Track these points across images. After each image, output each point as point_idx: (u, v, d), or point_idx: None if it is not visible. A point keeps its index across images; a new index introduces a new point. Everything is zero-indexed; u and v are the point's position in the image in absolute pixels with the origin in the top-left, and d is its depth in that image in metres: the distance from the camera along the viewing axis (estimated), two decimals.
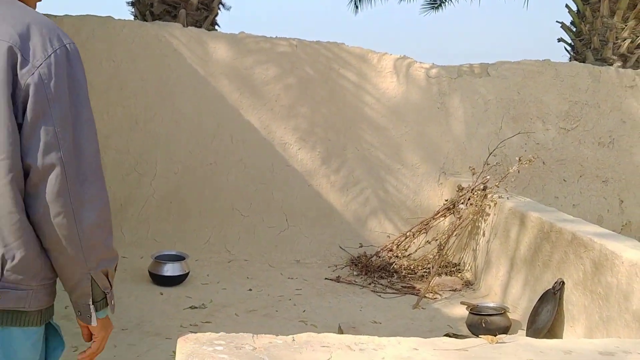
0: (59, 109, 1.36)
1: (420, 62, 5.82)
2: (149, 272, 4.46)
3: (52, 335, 1.54)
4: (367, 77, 5.68)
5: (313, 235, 5.45)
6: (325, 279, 4.88)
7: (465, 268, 5.05)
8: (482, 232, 4.90)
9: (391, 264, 5.06)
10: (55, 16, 5.17)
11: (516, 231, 4.42)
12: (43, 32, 1.41)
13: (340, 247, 5.39)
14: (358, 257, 5.22)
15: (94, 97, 5.36)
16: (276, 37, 5.65)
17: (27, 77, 1.34)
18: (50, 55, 1.38)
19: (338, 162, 5.57)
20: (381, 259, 5.12)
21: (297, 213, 5.47)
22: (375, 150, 5.64)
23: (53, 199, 1.35)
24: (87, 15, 5.20)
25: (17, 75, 1.34)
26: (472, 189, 4.96)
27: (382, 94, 5.68)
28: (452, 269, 5.01)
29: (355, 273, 4.99)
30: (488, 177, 4.97)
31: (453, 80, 5.79)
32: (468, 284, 4.84)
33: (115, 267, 1.51)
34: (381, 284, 4.78)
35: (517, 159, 5.04)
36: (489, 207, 4.83)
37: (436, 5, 11.67)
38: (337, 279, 4.85)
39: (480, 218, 4.92)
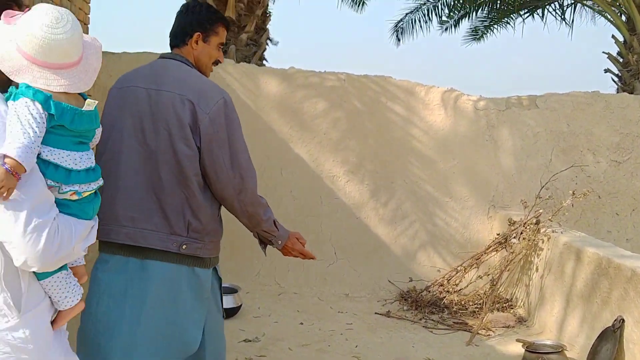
0: (219, 138, 2.19)
1: (468, 95, 5.82)
2: None
3: (215, 275, 2.39)
4: (415, 110, 5.71)
5: (362, 269, 5.45)
6: (376, 313, 4.86)
7: (518, 304, 4.97)
8: (535, 267, 4.83)
9: (442, 299, 5.01)
10: (114, 53, 5.37)
11: (572, 267, 4.34)
12: (210, 89, 2.22)
13: (389, 281, 5.37)
14: (408, 291, 5.19)
15: None
16: (325, 71, 5.75)
17: (203, 120, 2.15)
18: (214, 105, 2.18)
19: (386, 195, 5.58)
20: (431, 294, 5.08)
21: (346, 246, 5.48)
22: (423, 183, 5.64)
23: (231, 191, 2.28)
24: (144, 52, 5.38)
25: (197, 118, 2.14)
26: (524, 223, 4.90)
27: (429, 126, 5.69)
28: (505, 305, 4.93)
29: (405, 308, 4.96)
30: (540, 210, 4.90)
31: (501, 113, 5.77)
32: (521, 321, 4.75)
33: (272, 224, 2.43)
34: (432, 320, 4.73)
35: (571, 192, 4.97)
36: (542, 242, 4.76)
37: (478, 37, 11.69)
38: (388, 314, 4.82)
39: (533, 253, 4.85)
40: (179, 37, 2.34)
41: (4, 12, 1.46)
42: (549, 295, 4.57)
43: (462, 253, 5.46)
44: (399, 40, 11.78)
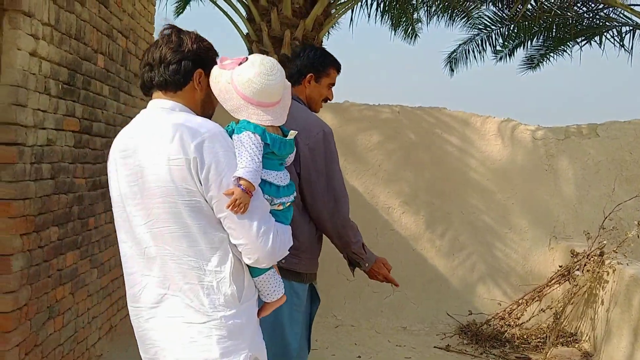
0: (317, 165, 2.48)
1: (525, 124, 5.76)
2: None
3: (314, 293, 2.67)
4: (471, 141, 5.68)
5: (419, 301, 5.39)
6: (435, 347, 4.78)
7: (583, 338, 4.80)
8: (600, 300, 4.67)
9: (503, 332, 4.89)
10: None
11: (639, 300, 4.18)
12: (312, 122, 2.55)
13: (448, 314, 5.29)
14: (467, 325, 5.10)
15: None
16: (379, 104, 5.80)
17: (303, 149, 2.44)
18: (313, 137, 2.50)
19: (443, 226, 5.54)
20: (492, 328, 4.97)
21: (402, 278, 5.41)
22: (481, 214, 5.57)
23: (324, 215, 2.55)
24: None
25: (298, 148, 2.36)
26: (588, 255, 4.76)
27: (486, 157, 5.65)
28: (569, 339, 4.77)
29: (465, 342, 4.87)
30: (604, 242, 4.76)
31: (560, 142, 5.67)
32: (587, 356, 4.59)
33: (360, 247, 2.65)
34: (494, 354, 4.62)
35: (636, 222, 4.81)
36: (607, 274, 4.60)
37: (533, 65, 11.55)
38: (447, 348, 4.74)
39: (597, 285, 4.69)
40: (294, 77, 2.68)
41: (219, 58, 1.84)
42: (616, 329, 4.40)
43: (523, 285, 5.33)
44: (452, 70, 11.76)
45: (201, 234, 1.69)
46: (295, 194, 1.95)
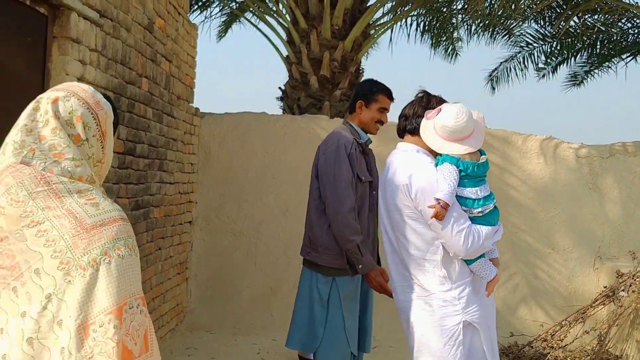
0: (327, 170, 3.05)
1: (568, 142, 5.67)
2: (299, 356, 4.56)
3: (336, 290, 3.08)
4: (512, 159, 5.61)
5: None
6: None
7: None
8: None
9: (545, 355, 4.78)
10: (217, 114, 5.71)
11: None
12: (332, 136, 3.16)
13: None
14: (509, 346, 4.99)
15: (249, 185, 5.75)
16: None
17: (320, 157, 3.12)
18: (328, 147, 3.10)
19: None
20: (534, 350, 4.86)
21: None
22: (523, 234, 5.48)
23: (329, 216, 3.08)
24: (245, 112, 5.68)
25: (317, 157, 3.15)
26: (634, 275, 4.63)
27: (528, 175, 5.57)
28: None
29: None
30: None
31: (605, 160, 5.56)
32: None
33: (355, 246, 2.96)
34: None
35: None
36: None
37: (577, 82, 11.36)
38: None
39: None
40: (351, 106, 3.31)
41: (425, 113, 2.55)
42: None
43: (567, 307, 5.21)
44: (493, 88, 11.66)
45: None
46: (494, 202, 2.50)
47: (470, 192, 2.44)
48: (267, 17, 8.23)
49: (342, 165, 3.03)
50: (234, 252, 5.57)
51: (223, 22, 11.16)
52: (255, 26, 8.85)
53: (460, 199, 2.43)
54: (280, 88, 7.96)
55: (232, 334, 5.22)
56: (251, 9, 8.86)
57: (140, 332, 1.34)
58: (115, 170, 3.61)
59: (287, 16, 7.89)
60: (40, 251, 1.32)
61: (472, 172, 2.44)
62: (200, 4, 9.43)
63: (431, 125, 2.49)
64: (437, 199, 2.34)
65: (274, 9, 8.14)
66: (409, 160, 2.51)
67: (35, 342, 1.28)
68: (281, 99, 7.88)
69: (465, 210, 2.43)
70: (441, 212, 2.34)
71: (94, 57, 3.24)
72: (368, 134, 3.31)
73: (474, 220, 2.43)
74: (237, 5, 9.78)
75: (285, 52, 7.86)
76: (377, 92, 3.22)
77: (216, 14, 10.16)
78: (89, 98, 1.50)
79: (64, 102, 1.46)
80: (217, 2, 9.54)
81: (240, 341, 5.08)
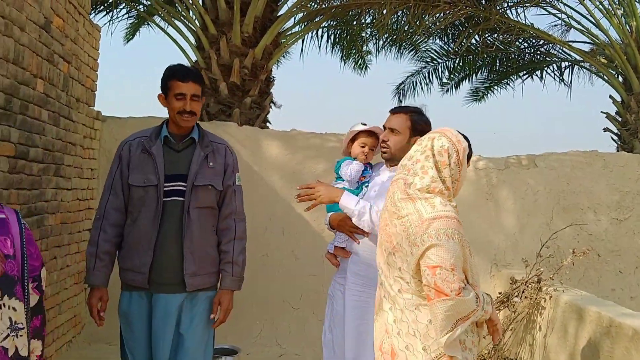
0: None
1: None
2: None
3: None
4: None
5: None
6: None
7: None
8: (538, 326, 4.77)
9: None
10: (120, 118, 5.52)
11: (574, 326, 4.30)
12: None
13: None
14: None
15: None
16: (325, 132, 5.86)
17: None
18: None
19: None
20: None
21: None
22: None
23: None
24: (150, 116, 5.53)
25: None
26: (526, 282, 4.88)
27: None
28: None
29: None
30: (542, 269, 4.89)
31: (501, 172, 5.84)
32: None
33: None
34: None
35: (571, 250, 4.96)
36: (545, 301, 4.72)
37: (478, 98, 11.92)
38: None
39: (535, 312, 4.80)
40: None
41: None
42: (554, 355, 4.50)
43: None
44: (400, 101, 12.04)
45: None
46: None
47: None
48: (176, 22, 8.07)
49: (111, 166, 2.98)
50: None
51: (130, 24, 10.85)
52: (164, 30, 8.65)
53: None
54: None
55: None
56: (160, 13, 8.66)
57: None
58: (4, 174, 3.40)
59: (196, 21, 7.77)
60: (402, 233, 2.29)
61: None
62: (105, 4, 9.11)
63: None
64: None
65: (183, 14, 8.00)
66: None
67: None
68: None
69: None
70: None
71: None
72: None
73: None
74: (145, 8, 9.53)
75: (194, 58, 7.74)
76: (167, 79, 2.89)
77: (122, 15, 9.85)
78: (453, 137, 2.35)
79: (438, 140, 2.34)
80: (123, 4, 9.25)
81: None
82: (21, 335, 1.85)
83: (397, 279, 2.34)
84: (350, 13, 8.89)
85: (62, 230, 4.46)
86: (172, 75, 2.87)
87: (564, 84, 10.65)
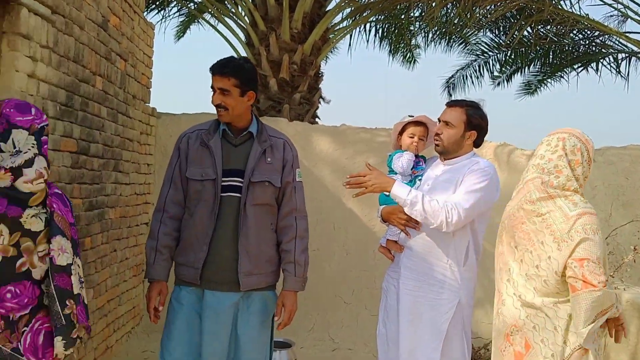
0: None
1: (522, 149, 5.78)
2: None
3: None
4: None
5: None
6: None
7: None
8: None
9: None
10: (174, 114, 5.62)
11: (636, 324, 4.16)
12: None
13: None
14: None
15: None
16: (375, 127, 5.83)
17: None
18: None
19: None
20: (490, 352, 4.92)
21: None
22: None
23: None
24: (203, 113, 5.61)
25: None
26: None
27: None
28: None
29: None
30: None
31: None
32: None
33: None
34: None
35: (633, 247, 4.80)
36: None
37: (531, 91, 11.65)
38: None
39: None
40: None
41: None
42: (614, 355, 4.37)
43: None
44: (450, 95, 11.88)
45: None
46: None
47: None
48: (226, 19, 8.16)
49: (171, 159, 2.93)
50: None
51: (181, 22, 11.03)
52: (214, 27, 8.77)
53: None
54: None
55: None
56: (210, 10, 8.77)
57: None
58: (68, 169, 3.50)
59: (245, 18, 7.84)
60: (543, 231, 2.41)
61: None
62: (157, 3, 9.29)
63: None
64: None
65: (233, 10, 8.08)
66: None
67: None
68: None
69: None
70: None
71: (45, 53, 3.14)
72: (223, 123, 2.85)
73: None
74: (195, 5, 9.67)
75: (244, 54, 7.81)
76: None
77: (174, 14, 10.03)
78: (582, 136, 2.48)
79: (568, 139, 2.46)
80: (174, 2, 9.41)
81: None
82: (84, 288, 2.27)
83: (532, 276, 2.44)
84: (398, 7, 8.82)
85: (121, 224, 4.57)
86: (211, 70, 2.77)
87: (621, 76, 10.30)
